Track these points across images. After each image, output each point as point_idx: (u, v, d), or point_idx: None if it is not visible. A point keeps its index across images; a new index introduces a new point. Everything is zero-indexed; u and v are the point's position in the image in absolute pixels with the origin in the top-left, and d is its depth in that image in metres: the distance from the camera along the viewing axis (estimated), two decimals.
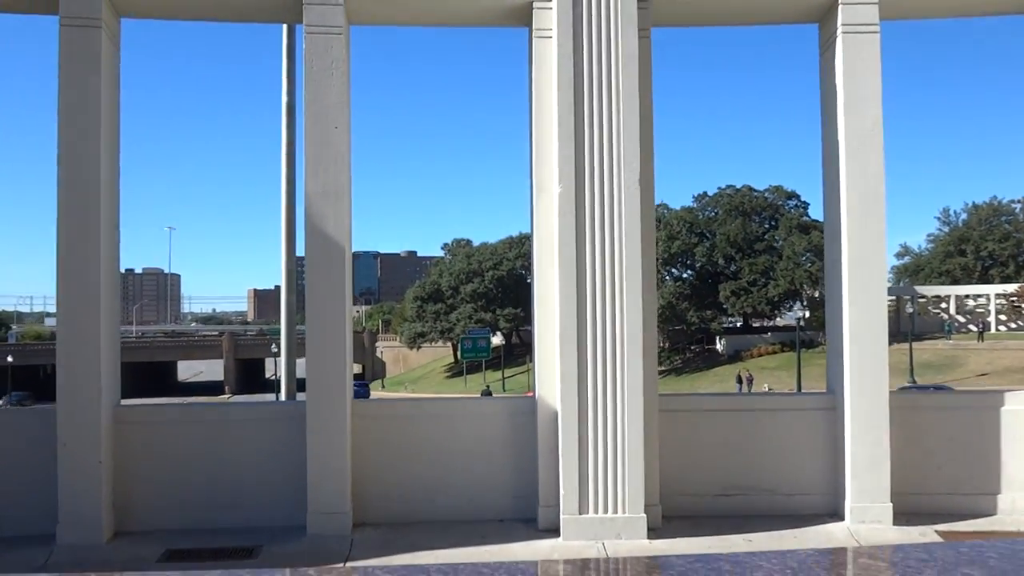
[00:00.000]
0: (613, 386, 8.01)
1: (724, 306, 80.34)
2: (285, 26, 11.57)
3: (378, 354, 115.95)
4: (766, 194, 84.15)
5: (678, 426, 8.83)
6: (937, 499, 8.72)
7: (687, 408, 9.21)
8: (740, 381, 62.88)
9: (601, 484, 7.97)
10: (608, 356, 8.04)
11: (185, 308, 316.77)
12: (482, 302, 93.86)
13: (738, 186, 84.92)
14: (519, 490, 8.66)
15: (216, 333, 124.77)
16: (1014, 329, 75.35)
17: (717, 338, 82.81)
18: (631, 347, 8.02)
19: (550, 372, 8.36)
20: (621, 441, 7.97)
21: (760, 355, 74.58)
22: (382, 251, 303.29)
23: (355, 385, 12.00)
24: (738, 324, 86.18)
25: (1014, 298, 73.36)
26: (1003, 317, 77.95)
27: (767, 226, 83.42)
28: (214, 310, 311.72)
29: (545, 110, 8.57)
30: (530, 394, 9.53)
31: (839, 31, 8.69)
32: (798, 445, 8.92)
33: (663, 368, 79.68)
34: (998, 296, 77.49)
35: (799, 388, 50.49)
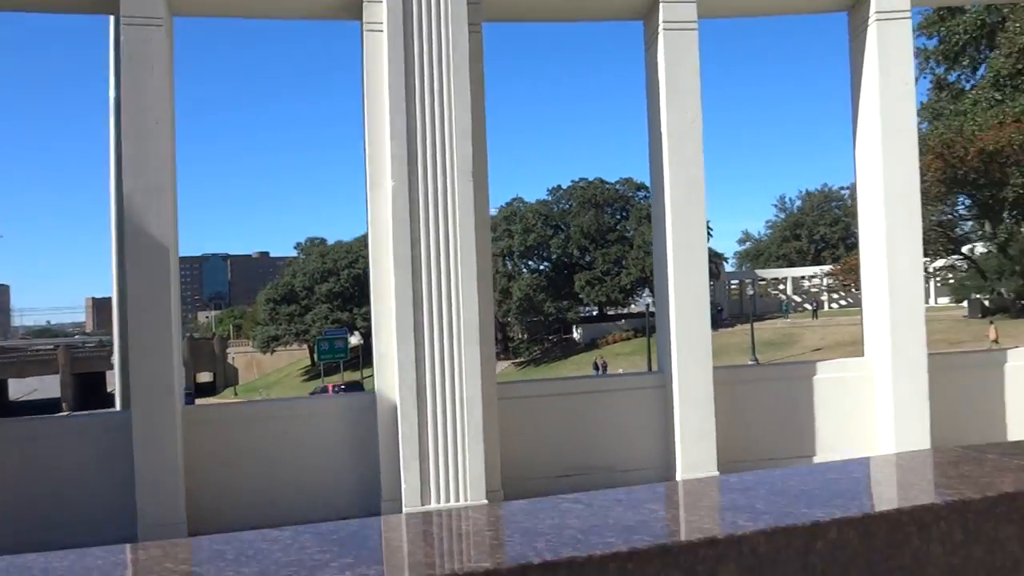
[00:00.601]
0: (451, 377, 8.11)
1: (580, 296, 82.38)
2: (112, 17, 11.03)
3: (230, 360, 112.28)
4: (617, 186, 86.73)
5: (518, 412, 9.04)
6: (760, 465, 9.26)
7: (526, 394, 9.45)
8: (596, 368, 64.64)
9: (442, 474, 8.06)
10: (445, 348, 8.13)
11: (16, 322, 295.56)
12: (338, 302, 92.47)
13: (590, 179, 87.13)
14: (362, 487, 8.64)
15: (51, 347, 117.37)
16: (844, 306, 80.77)
17: (574, 327, 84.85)
18: (467, 338, 8.14)
19: (389, 366, 8.37)
20: (460, 431, 8.08)
21: (615, 342, 76.94)
22: (232, 253, 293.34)
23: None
24: (594, 313, 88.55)
25: (832, 276, 78.44)
26: (835, 295, 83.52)
27: (619, 217, 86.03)
28: (48, 322, 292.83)
29: (377, 104, 8.55)
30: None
31: (660, 28, 9.08)
32: (632, 423, 9.31)
33: (522, 359, 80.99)
34: (827, 275, 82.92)
35: (650, 371, 52.35)
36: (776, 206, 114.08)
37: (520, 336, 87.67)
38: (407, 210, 8.18)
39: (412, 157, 8.20)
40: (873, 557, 1.52)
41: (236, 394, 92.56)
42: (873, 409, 9.60)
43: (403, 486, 8.05)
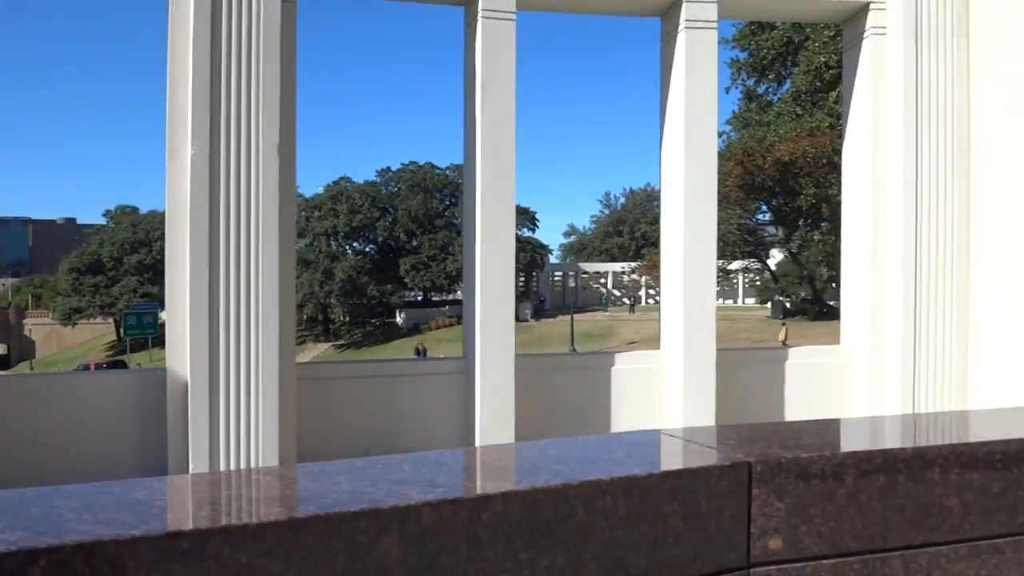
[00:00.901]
0: (247, 356, 7.87)
1: (405, 280, 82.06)
2: None
3: (27, 332, 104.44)
4: (447, 172, 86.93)
5: (318, 394, 8.89)
6: None
7: (327, 376, 9.32)
8: (418, 353, 64.77)
9: (233, 456, 7.81)
10: (242, 326, 7.87)
11: None
12: (149, 275, 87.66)
13: (421, 163, 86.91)
14: (146, 469, 8.23)
15: None
16: (660, 302, 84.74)
17: (397, 311, 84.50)
18: (266, 316, 7.91)
19: (181, 343, 8.01)
20: (255, 410, 7.86)
21: (438, 327, 77.27)
22: (35, 217, 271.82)
23: None
24: (418, 298, 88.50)
25: (638, 272, 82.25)
26: (652, 291, 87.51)
27: (448, 203, 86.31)
28: None
29: (180, 66, 8.13)
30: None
31: (479, 15, 9.11)
32: (435, 408, 9.35)
33: (343, 342, 79.87)
34: (633, 272, 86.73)
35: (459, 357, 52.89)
36: (601, 202, 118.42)
37: (342, 318, 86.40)
38: (207, 179, 7.84)
39: (215, 126, 7.87)
40: (538, 529, 1.60)
41: (32, 368, 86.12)
42: (666, 400, 10.09)
43: (190, 468, 7.74)
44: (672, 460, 1.78)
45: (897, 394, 9.78)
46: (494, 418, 8.95)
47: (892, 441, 1.99)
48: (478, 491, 1.55)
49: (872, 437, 2.16)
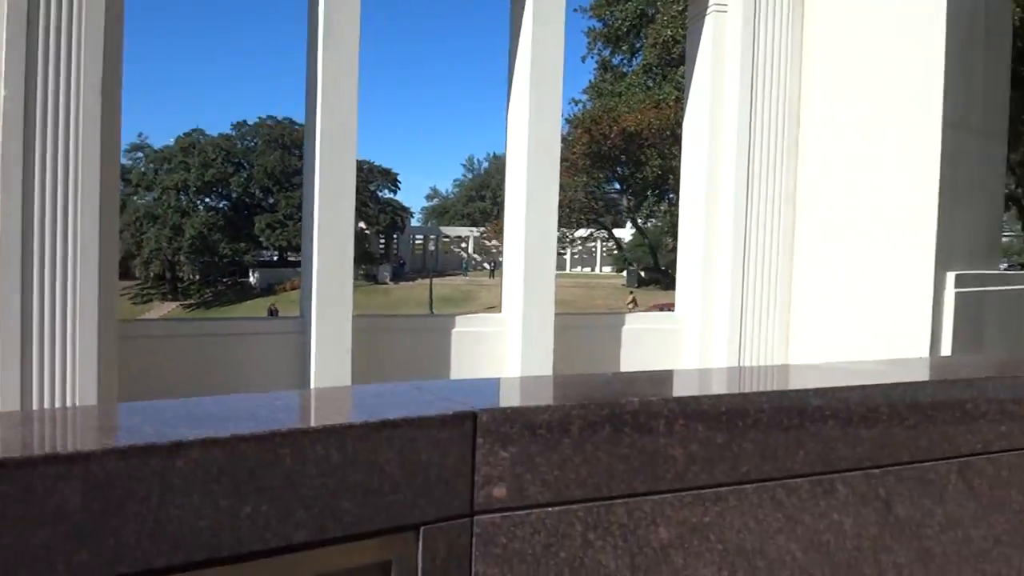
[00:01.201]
0: (63, 315, 7.45)
1: (260, 239, 79.58)
2: None
3: None
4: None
5: (143, 353, 8.52)
6: None
7: (152, 334, 8.95)
8: (271, 313, 63.20)
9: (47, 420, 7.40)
10: (58, 283, 7.45)
11: None
12: None
13: (279, 117, 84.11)
14: None
15: None
16: None
17: (251, 271, 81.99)
18: (84, 273, 7.49)
19: None
20: (71, 372, 7.48)
21: (294, 288, 75.40)
22: None
23: None
24: (274, 257, 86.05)
25: (483, 236, 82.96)
26: None
27: None
28: None
29: None
30: None
31: None
32: (269, 368, 9.13)
33: (192, 302, 76.94)
34: (481, 237, 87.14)
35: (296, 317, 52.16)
36: (464, 166, 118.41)
37: (192, 277, 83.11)
38: (21, 124, 7.32)
39: (31, 64, 7.33)
40: (241, 476, 1.60)
41: None
42: (505, 362, 10.25)
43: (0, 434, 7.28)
44: (397, 410, 1.80)
45: (724, 362, 10.29)
46: (329, 379, 8.84)
47: (621, 394, 2.07)
48: (174, 437, 1.52)
49: (609, 390, 2.24)
